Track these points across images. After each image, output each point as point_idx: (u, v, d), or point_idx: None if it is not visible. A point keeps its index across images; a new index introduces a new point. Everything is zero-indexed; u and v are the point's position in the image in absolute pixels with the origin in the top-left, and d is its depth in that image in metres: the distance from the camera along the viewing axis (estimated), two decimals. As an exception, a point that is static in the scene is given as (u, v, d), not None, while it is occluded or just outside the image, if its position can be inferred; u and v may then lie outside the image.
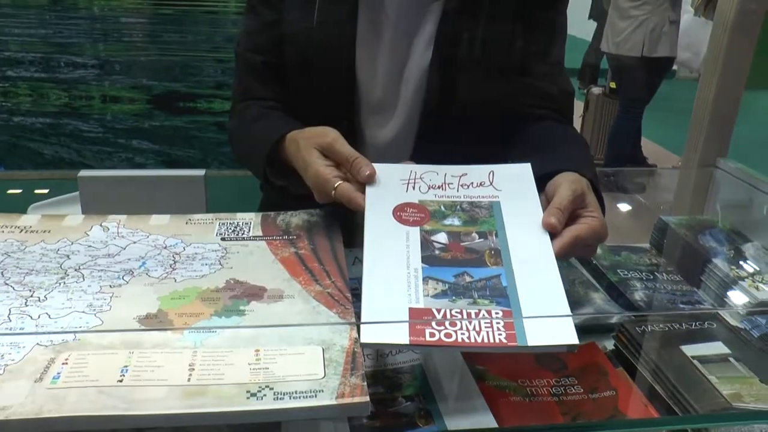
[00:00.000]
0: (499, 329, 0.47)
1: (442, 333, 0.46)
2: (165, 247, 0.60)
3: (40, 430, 0.39)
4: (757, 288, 0.73)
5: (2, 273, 0.55)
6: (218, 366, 0.43)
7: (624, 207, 1.02)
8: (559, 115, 0.87)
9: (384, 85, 0.84)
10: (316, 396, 0.41)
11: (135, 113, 3.63)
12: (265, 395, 0.41)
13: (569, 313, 0.49)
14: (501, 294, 0.50)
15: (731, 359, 0.63)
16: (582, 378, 0.63)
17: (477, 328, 0.47)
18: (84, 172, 0.83)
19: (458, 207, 0.61)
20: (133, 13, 3.52)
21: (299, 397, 0.40)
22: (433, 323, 0.46)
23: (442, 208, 0.61)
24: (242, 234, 0.64)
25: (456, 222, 0.59)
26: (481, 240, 0.57)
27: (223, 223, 0.66)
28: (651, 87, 3.19)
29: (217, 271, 0.57)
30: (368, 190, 0.61)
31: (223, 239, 0.63)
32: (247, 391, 0.41)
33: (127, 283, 0.54)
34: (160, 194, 0.79)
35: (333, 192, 0.62)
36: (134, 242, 0.61)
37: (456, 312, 0.48)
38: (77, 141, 3.65)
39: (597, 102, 3.75)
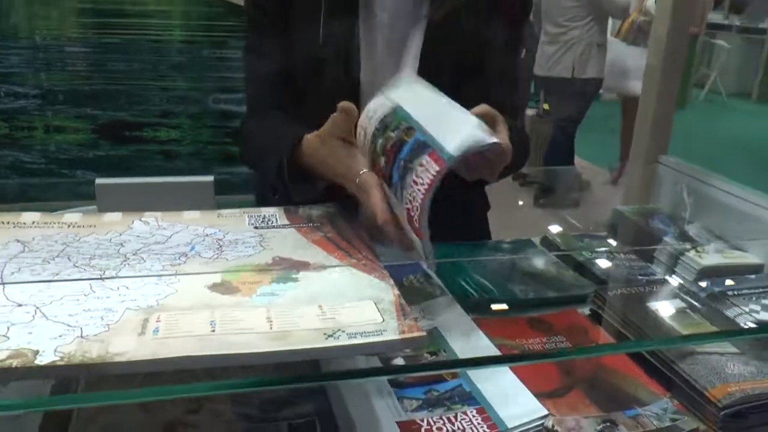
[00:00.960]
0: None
1: None
2: (207, 235, 0.68)
3: (158, 368, 0.46)
4: (700, 257, 0.86)
5: (68, 258, 0.62)
6: (291, 318, 0.52)
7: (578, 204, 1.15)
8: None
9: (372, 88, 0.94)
10: (381, 334, 0.50)
11: (79, 143, 3.58)
12: (339, 336, 0.49)
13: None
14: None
15: (687, 311, 0.75)
16: (568, 336, 0.74)
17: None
18: (100, 180, 0.89)
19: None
20: (77, 42, 3.49)
21: (369, 336, 0.49)
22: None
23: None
24: (271, 223, 0.72)
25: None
26: None
27: (251, 216, 0.74)
28: (582, 107, 3.42)
29: (261, 252, 0.65)
30: None
31: (255, 228, 0.71)
32: (324, 334, 0.50)
33: (185, 263, 0.62)
34: (172, 199, 0.85)
35: (357, 179, 0.69)
36: (177, 232, 0.69)
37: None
38: (18, 173, 3.57)
39: (532, 123, 3.96)
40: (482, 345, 0.65)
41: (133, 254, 0.63)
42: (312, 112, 0.91)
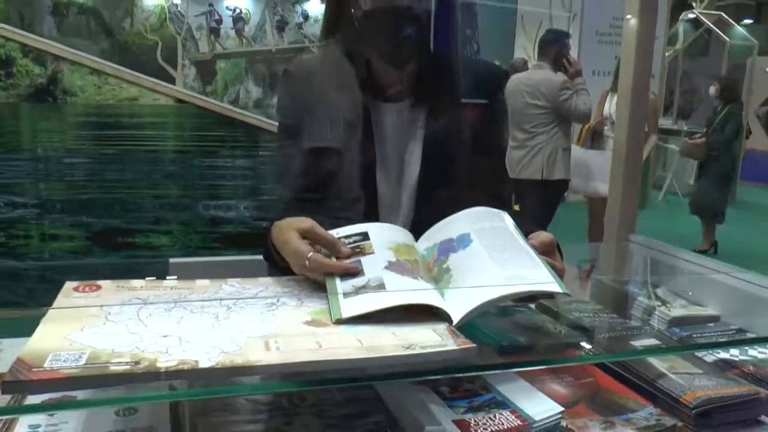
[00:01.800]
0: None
1: None
2: (285, 292, 0.87)
3: (288, 370, 0.64)
4: (669, 310, 1.08)
5: (183, 307, 0.80)
6: (375, 339, 0.70)
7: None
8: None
9: (388, 194, 1.16)
10: (444, 346, 0.69)
11: (74, 250, 3.71)
12: (415, 348, 0.68)
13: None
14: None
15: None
16: (570, 370, 0.93)
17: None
18: (174, 260, 1.07)
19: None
20: (76, 153, 3.70)
21: (435, 347, 0.69)
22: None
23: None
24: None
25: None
26: None
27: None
28: (551, 207, 3.72)
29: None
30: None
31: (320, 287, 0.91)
32: (402, 347, 0.68)
33: (277, 308, 0.81)
34: (234, 274, 1.04)
35: (306, 261, 0.85)
36: (261, 290, 0.88)
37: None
38: (11, 280, 3.66)
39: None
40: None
41: (233, 304, 0.82)
42: (333, 203, 1.13)
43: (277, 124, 1.22)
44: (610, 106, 4.09)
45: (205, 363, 0.63)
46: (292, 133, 1.13)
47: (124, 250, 3.97)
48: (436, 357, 0.69)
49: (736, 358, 0.95)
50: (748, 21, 13.31)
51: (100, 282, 0.90)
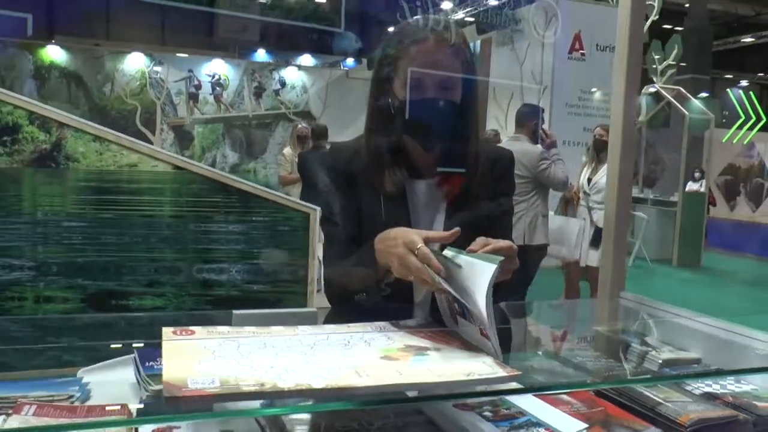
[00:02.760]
0: None
1: None
2: (352, 335, 1.06)
3: (380, 391, 0.83)
4: (660, 354, 1.29)
5: (272, 347, 0.98)
6: (440, 369, 0.89)
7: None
8: None
9: None
10: (496, 374, 0.88)
11: (67, 312, 3.80)
12: (474, 375, 0.87)
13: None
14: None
15: (658, 385, 1.16)
16: (583, 403, 1.13)
17: None
18: (236, 311, 1.25)
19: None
20: (75, 217, 3.83)
21: (490, 374, 0.88)
22: None
23: None
24: (387, 330, 1.11)
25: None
26: None
27: (372, 326, 1.12)
28: (532, 270, 3.97)
29: (394, 343, 1.03)
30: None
31: (379, 331, 1.10)
32: (465, 374, 0.88)
33: (350, 348, 0.99)
34: (285, 322, 1.22)
35: (416, 250, 1.08)
36: (331, 334, 1.06)
37: None
38: (3, 342, 3.71)
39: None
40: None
41: (314, 344, 1.01)
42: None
43: (320, 192, 1.44)
44: (584, 177, 4.40)
45: (316, 385, 0.82)
46: (341, 201, 1.35)
47: (118, 311, 4.05)
48: (491, 381, 0.88)
49: (718, 391, 1.15)
50: (704, 94, 14.16)
51: (192, 327, 1.08)
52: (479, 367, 0.91)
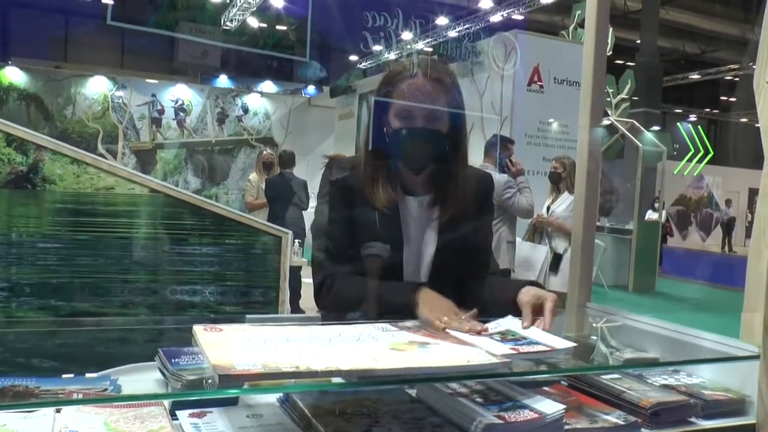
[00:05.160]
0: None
1: None
2: (360, 332, 1.22)
3: (401, 373, 0.99)
4: (624, 354, 1.48)
5: (294, 341, 1.14)
6: (444, 357, 1.06)
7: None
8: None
9: (411, 269, 1.55)
10: (491, 360, 1.06)
11: (40, 334, 3.83)
12: (473, 361, 1.04)
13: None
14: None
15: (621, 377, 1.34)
16: (558, 394, 1.31)
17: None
18: (250, 316, 1.40)
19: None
20: (50, 238, 3.89)
21: (485, 362, 1.05)
22: None
23: None
24: (388, 329, 1.27)
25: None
26: None
27: (375, 325, 1.28)
28: (496, 292, 4.16)
29: (398, 339, 1.19)
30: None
31: (382, 330, 1.26)
32: (465, 360, 1.04)
33: (362, 342, 1.15)
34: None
35: (442, 321, 1.27)
36: (341, 332, 1.22)
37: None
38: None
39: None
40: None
41: (329, 339, 1.16)
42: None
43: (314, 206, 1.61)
44: (545, 206, 4.65)
45: (344, 367, 0.97)
46: (339, 213, 1.52)
47: (90, 333, 4.10)
48: (488, 367, 1.05)
49: (673, 383, 1.35)
50: (656, 128, 14.80)
51: (220, 325, 1.22)
52: (476, 356, 1.07)
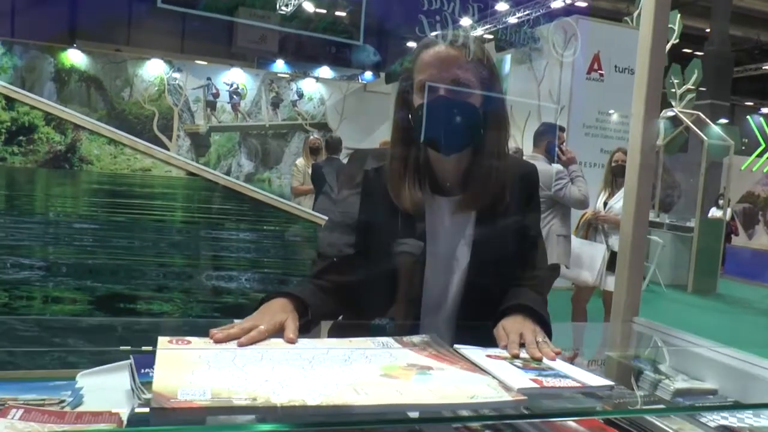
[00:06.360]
0: None
1: None
2: (353, 350, 1.02)
3: (381, 410, 0.79)
4: (673, 383, 1.23)
5: (270, 359, 0.94)
6: (443, 390, 0.85)
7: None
8: (535, 284, 1.38)
9: (436, 287, 1.32)
10: (501, 397, 0.84)
11: (75, 313, 3.79)
12: (477, 398, 0.83)
13: None
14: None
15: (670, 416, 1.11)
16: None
17: None
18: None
19: None
20: (87, 219, 3.84)
21: (493, 397, 0.84)
22: None
23: None
24: (390, 346, 1.07)
25: None
26: None
27: (374, 341, 1.08)
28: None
29: (396, 360, 0.99)
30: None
31: (381, 347, 1.06)
32: (468, 396, 0.83)
33: (351, 363, 0.95)
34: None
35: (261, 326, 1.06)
36: (332, 348, 1.02)
37: None
38: (9, 341, 3.71)
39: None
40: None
41: (312, 358, 0.97)
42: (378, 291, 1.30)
43: (333, 196, 1.42)
44: (600, 201, 4.35)
45: (311, 402, 0.78)
46: (352, 210, 1.31)
47: (125, 315, 4.05)
48: (495, 405, 0.84)
49: (735, 425, 1.10)
50: (723, 120, 14.05)
51: (189, 338, 1.04)
52: (483, 390, 0.86)
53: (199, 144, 12.49)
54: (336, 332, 1.31)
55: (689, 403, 1.16)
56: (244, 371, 0.88)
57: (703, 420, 1.11)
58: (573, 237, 4.16)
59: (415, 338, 1.12)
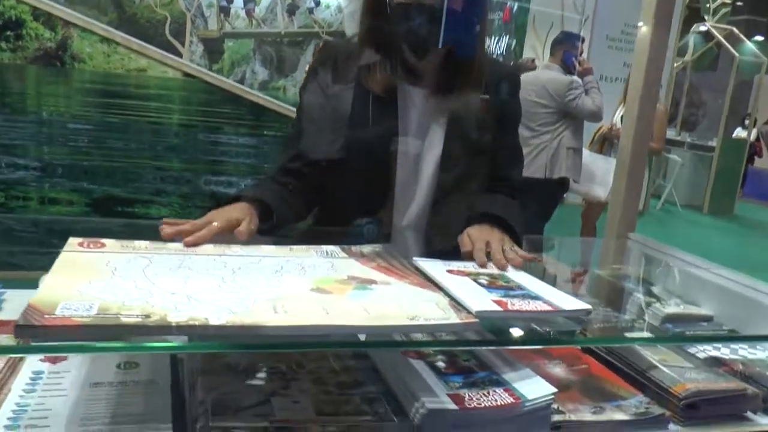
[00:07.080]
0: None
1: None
2: (288, 260, 0.89)
3: (296, 332, 0.65)
4: (664, 307, 1.09)
5: (189, 268, 0.81)
6: (381, 309, 0.72)
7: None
8: (510, 189, 1.24)
9: (404, 179, 1.19)
10: (448, 319, 0.70)
11: (72, 215, 3.72)
12: (419, 319, 0.70)
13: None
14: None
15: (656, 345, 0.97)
16: (563, 358, 0.95)
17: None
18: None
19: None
20: (81, 119, 3.70)
21: (439, 320, 0.70)
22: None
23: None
24: (335, 255, 0.93)
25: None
26: None
27: (317, 250, 0.95)
28: (551, 205, 3.74)
29: (335, 273, 0.85)
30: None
31: (323, 256, 0.92)
32: (407, 317, 0.70)
33: (281, 275, 0.82)
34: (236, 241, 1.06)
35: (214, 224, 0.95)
36: (264, 256, 0.89)
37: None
38: (8, 241, 3.66)
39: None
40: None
41: (238, 268, 0.83)
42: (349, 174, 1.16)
43: (298, 95, 1.27)
44: (618, 115, 4.11)
45: (215, 321, 0.64)
46: (321, 101, 1.17)
47: (123, 218, 3.96)
48: (438, 329, 0.71)
49: (727, 356, 0.97)
50: (759, 38, 13.31)
51: (104, 240, 0.91)
52: (428, 310, 0.73)
53: (213, 50, 12.13)
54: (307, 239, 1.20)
55: (678, 331, 1.02)
56: (152, 282, 0.75)
57: (692, 350, 0.98)
58: (585, 151, 3.95)
59: (366, 248, 0.98)
